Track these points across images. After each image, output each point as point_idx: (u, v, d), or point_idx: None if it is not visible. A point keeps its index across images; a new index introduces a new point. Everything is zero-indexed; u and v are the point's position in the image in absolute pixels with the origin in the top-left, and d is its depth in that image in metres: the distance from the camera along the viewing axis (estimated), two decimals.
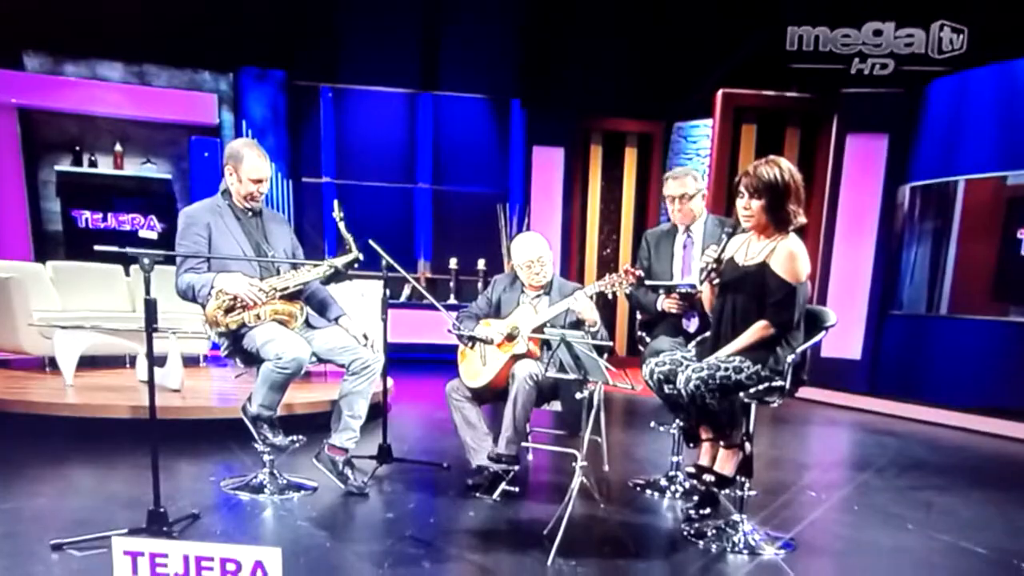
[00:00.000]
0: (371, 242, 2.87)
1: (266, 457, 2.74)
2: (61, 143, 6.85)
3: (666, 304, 2.86)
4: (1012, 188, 5.25)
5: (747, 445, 2.38)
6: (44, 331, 4.42)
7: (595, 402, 2.49)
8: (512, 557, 2.20)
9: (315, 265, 2.73)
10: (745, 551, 2.29)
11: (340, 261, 2.71)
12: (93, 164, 6.89)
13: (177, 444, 3.13)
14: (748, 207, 2.34)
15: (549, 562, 2.11)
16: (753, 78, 6.57)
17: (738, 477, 2.38)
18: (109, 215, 6.89)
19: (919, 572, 2.26)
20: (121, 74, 7.00)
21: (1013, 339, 5.10)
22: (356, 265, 2.73)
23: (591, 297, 2.81)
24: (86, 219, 6.84)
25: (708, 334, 2.50)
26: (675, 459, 3.00)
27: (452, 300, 7.15)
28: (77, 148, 6.85)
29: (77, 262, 5.53)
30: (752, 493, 2.40)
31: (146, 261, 2.10)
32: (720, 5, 6.98)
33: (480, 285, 7.12)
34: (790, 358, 2.28)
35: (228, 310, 2.59)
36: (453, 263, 7.34)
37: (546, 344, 2.77)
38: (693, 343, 2.59)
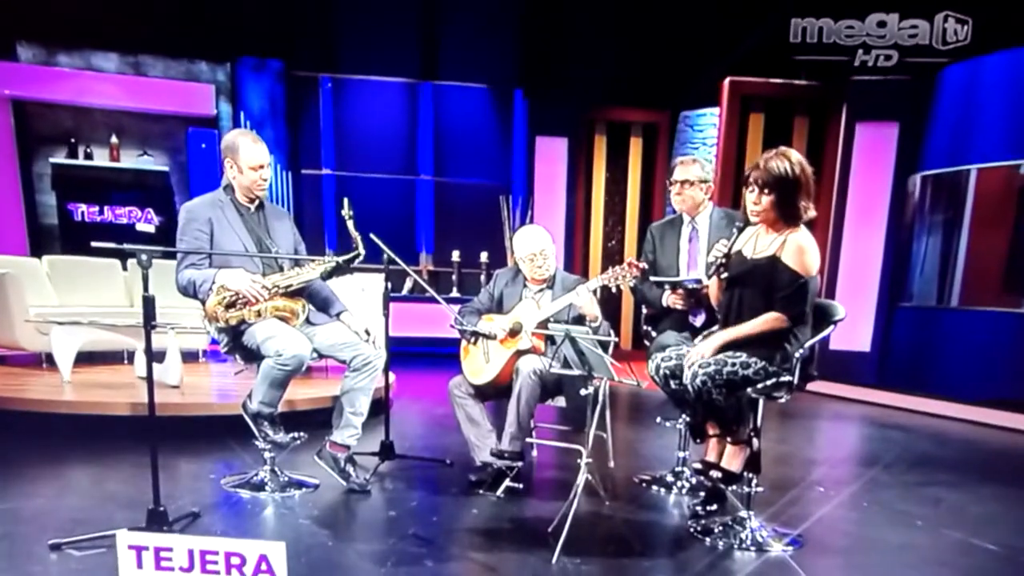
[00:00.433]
0: (372, 236, 2.82)
1: (267, 454, 2.72)
2: (56, 135, 6.78)
3: (671, 300, 2.82)
4: None
5: (755, 441, 2.35)
6: (41, 327, 4.38)
7: (600, 397, 2.46)
8: (516, 555, 2.18)
9: (319, 263, 2.69)
10: (752, 548, 2.27)
11: (342, 257, 2.67)
12: (89, 156, 6.82)
13: (176, 441, 3.10)
14: (758, 201, 2.30)
15: (554, 560, 2.09)
16: (759, 67, 6.49)
17: (745, 473, 2.35)
18: (105, 208, 6.82)
19: (928, 569, 2.22)
20: (116, 65, 6.92)
21: None
22: (357, 260, 2.69)
23: (594, 292, 2.76)
24: (82, 212, 6.77)
25: (715, 328, 2.46)
26: (681, 455, 2.97)
27: (455, 293, 7.11)
28: (72, 140, 6.78)
29: (73, 256, 5.50)
30: (759, 489, 2.38)
31: (144, 257, 2.08)
32: None
33: (483, 278, 7.08)
34: (798, 353, 2.25)
35: (229, 306, 2.56)
36: (455, 256, 7.29)
37: (550, 339, 2.73)
38: (700, 337, 2.54)
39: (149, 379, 2.22)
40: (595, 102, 7.38)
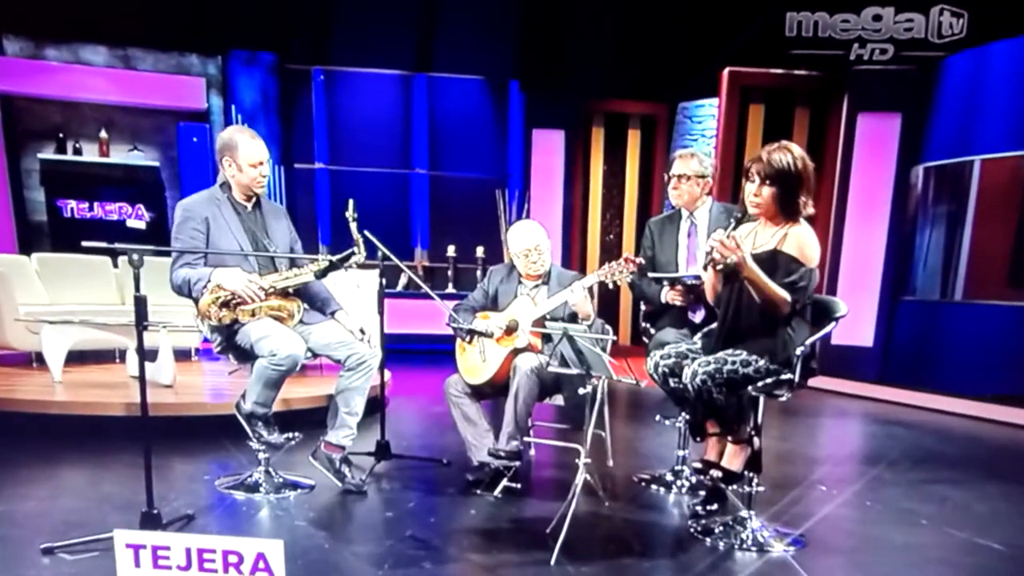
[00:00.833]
0: (367, 233, 2.78)
1: (261, 455, 2.68)
2: (44, 130, 6.68)
3: (670, 296, 2.79)
4: None
5: (755, 440, 2.32)
6: (31, 326, 4.32)
7: (599, 395, 2.42)
8: (515, 556, 2.15)
9: (314, 263, 2.64)
10: (753, 548, 2.24)
11: (336, 257, 2.63)
12: (78, 152, 6.73)
13: (170, 442, 3.06)
14: (758, 193, 2.28)
15: (552, 561, 2.07)
16: (756, 61, 6.43)
17: (746, 472, 2.32)
18: (95, 204, 6.73)
19: (933, 569, 2.20)
20: (105, 58, 6.82)
21: None
22: (356, 261, 2.64)
23: (588, 289, 2.72)
24: (71, 209, 6.68)
25: (715, 325, 2.43)
26: (681, 453, 2.94)
27: (450, 289, 7.07)
28: (61, 135, 6.69)
29: (63, 254, 5.42)
30: (760, 488, 2.35)
31: (136, 257, 2.04)
32: None
33: (479, 273, 7.04)
34: (799, 350, 2.21)
35: (223, 305, 2.52)
36: (451, 251, 7.24)
37: (547, 336, 2.69)
38: (699, 335, 2.52)
39: (142, 380, 2.19)
40: (592, 94, 7.30)
